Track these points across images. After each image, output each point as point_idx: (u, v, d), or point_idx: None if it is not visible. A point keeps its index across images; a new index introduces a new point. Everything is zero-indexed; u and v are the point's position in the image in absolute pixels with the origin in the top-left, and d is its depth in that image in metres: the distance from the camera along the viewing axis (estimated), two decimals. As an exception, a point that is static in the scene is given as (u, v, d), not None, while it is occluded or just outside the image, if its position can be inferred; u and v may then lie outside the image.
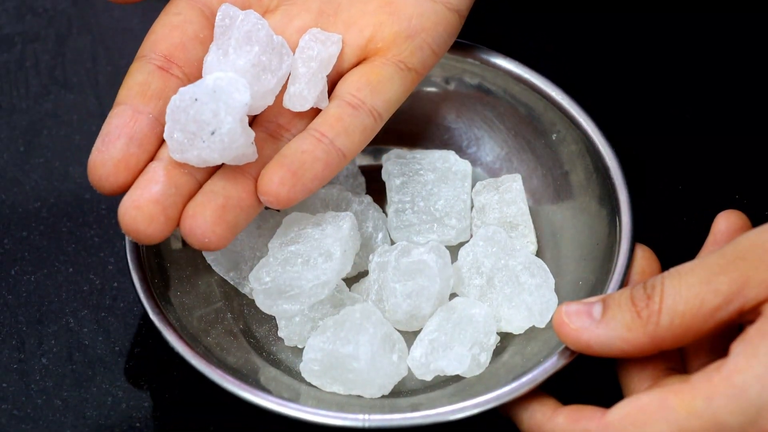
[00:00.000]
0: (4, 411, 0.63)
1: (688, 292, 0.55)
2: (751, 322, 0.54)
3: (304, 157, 0.58)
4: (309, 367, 0.61)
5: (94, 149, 0.58)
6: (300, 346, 0.63)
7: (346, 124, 0.60)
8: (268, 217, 0.65)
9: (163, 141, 0.59)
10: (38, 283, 0.68)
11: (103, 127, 0.58)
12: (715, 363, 0.54)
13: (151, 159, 0.58)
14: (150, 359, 0.65)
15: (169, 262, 0.64)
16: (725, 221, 0.61)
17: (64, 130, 0.74)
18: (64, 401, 0.64)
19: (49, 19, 0.80)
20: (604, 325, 0.56)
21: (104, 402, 0.64)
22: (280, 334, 0.63)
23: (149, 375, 0.65)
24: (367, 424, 0.57)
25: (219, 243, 0.57)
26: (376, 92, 0.61)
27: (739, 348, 0.54)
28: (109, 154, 0.57)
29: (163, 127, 0.58)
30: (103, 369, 0.65)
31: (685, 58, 0.78)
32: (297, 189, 0.58)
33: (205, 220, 0.57)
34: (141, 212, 0.56)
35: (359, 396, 0.61)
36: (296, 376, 0.63)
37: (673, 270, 0.56)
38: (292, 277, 0.61)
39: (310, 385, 0.62)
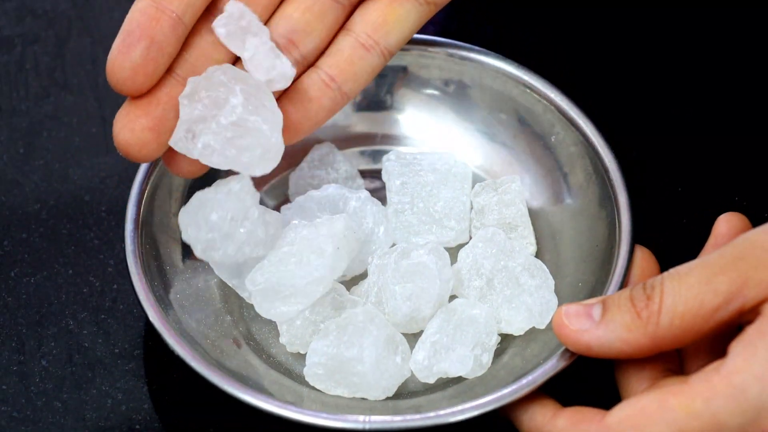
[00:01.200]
0: (4, 413, 0.63)
1: (688, 293, 0.55)
2: (750, 322, 0.54)
3: (310, 106, 0.61)
4: (313, 372, 0.61)
5: (114, 47, 0.58)
6: (302, 352, 0.63)
7: (356, 69, 0.61)
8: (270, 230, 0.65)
9: (182, 43, 0.59)
10: (38, 285, 0.68)
11: (125, 22, 0.58)
12: (714, 363, 0.54)
13: (171, 62, 0.59)
14: (150, 361, 0.65)
15: (169, 264, 0.64)
16: (726, 223, 0.61)
17: (64, 132, 0.74)
18: (63, 403, 0.64)
19: (49, 21, 0.80)
20: (603, 327, 0.56)
21: (104, 404, 0.64)
22: (282, 340, 0.63)
23: (149, 377, 0.64)
24: (367, 427, 0.57)
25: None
26: (391, 32, 0.62)
27: (737, 348, 0.53)
28: (129, 59, 0.58)
29: (186, 29, 0.59)
30: (103, 371, 0.65)
31: (685, 58, 0.78)
32: (299, 134, 0.61)
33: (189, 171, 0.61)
34: (134, 136, 0.58)
35: (361, 398, 0.61)
36: (296, 378, 0.63)
37: (672, 270, 0.56)
38: (284, 276, 0.61)
39: (310, 387, 0.62)
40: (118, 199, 0.71)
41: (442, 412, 0.58)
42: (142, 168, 0.65)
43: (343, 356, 0.60)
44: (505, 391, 0.58)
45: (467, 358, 0.61)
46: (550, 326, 0.61)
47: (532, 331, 0.63)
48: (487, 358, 0.62)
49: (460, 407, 0.58)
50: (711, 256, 0.56)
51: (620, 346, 0.56)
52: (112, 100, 0.76)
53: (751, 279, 0.54)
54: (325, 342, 0.61)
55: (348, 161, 0.69)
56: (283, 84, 0.60)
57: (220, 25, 0.60)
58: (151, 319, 0.60)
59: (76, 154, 0.73)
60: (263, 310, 0.62)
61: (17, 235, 0.70)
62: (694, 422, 0.53)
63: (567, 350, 0.58)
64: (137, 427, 0.63)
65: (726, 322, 0.55)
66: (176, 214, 0.62)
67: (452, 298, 0.64)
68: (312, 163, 0.69)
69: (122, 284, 0.68)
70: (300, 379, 0.62)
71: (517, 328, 0.63)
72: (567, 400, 0.58)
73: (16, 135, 0.74)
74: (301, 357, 0.63)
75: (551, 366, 0.58)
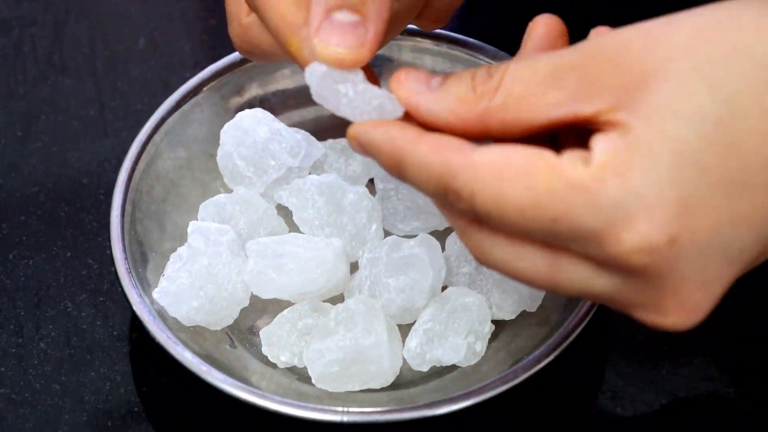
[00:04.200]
0: (3, 395, 0.64)
1: (531, 79, 0.50)
2: (601, 131, 0.49)
3: None
4: (327, 371, 0.60)
5: None
6: (282, 359, 0.62)
7: None
8: None
9: None
10: (36, 267, 0.68)
11: None
12: (584, 154, 0.48)
13: None
14: (149, 344, 0.65)
15: (155, 251, 0.64)
16: (544, 26, 0.55)
17: (62, 116, 0.75)
18: (62, 386, 0.64)
19: (47, 5, 0.80)
20: (437, 93, 0.52)
21: (102, 387, 0.64)
22: (264, 350, 0.63)
23: (148, 359, 0.65)
24: (345, 419, 0.57)
25: None
26: None
27: (602, 146, 0.48)
28: None
29: None
30: (101, 353, 0.65)
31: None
32: None
33: None
34: None
35: (360, 391, 0.61)
36: (277, 368, 0.62)
37: (522, 56, 0.53)
38: (292, 246, 0.61)
39: (291, 377, 0.62)
40: (116, 182, 0.71)
41: (419, 405, 0.57)
42: (130, 155, 0.65)
43: (363, 345, 0.59)
44: (483, 385, 0.57)
45: (460, 346, 0.60)
46: (536, 320, 0.62)
47: (518, 326, 0.63)
48: (480, 346, 0.61)
49: (438, 401, 0.57)
50: (564, 51, 0.51)
51: (447, 117, 0.52)
52: (110, 84, 0.76)
53: (598, 82, 0.49)
54: (335, 338, 0.60)
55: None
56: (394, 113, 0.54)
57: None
58: (134, 307, 0.60)
59: (74, 137, 0.73)
60: (253, 273, 0.61)
61: (15, 218, 0.70)
62: (549, 199, 0.48)
63: (552, 344, 0.58)
64: (135, 409, 0.63)
65: (561, 121, 0.49)
66: (163, 201, 0.63)
67: (443, 287, 0.64)
68: None
69: (121, 267, 0.68)
70: (282, 370, 0.62)
71: (508, 312, 0.63)
72: (555, 395, 0.58)
73: (14, 119, 0.74)
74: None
75: (534, 359, 0.58)
